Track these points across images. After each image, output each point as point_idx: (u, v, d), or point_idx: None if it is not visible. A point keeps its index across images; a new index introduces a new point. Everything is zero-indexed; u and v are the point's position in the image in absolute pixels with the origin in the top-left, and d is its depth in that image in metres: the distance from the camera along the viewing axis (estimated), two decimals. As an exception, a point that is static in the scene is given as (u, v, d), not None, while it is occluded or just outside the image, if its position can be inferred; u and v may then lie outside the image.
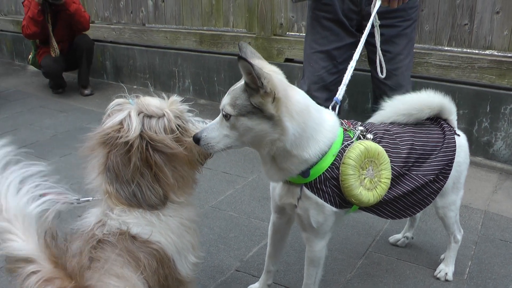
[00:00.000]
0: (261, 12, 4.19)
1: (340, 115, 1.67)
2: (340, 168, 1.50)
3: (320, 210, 1.55)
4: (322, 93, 2.37)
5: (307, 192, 1.52)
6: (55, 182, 1.18)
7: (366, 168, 1.53)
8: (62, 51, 4.89)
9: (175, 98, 1.40)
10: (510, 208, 2.66)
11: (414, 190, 1.65)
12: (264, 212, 2.60)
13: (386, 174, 1.57)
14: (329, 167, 1.50)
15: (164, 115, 1.32)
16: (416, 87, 2.02)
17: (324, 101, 2.21)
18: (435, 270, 2.09)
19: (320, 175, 1.50)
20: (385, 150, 1.57)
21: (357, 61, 1.89)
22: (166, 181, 1.33)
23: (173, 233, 1.33)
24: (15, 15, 6.72)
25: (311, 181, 1.51)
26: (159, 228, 1.30)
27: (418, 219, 2.31)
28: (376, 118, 1.80)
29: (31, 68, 5.90)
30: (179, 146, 1.32)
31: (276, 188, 1.64)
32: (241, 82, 1.39)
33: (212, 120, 1.45)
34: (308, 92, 1.87)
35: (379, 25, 2.09)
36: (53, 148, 3.58)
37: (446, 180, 1.71)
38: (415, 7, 2.37)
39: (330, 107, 1.67)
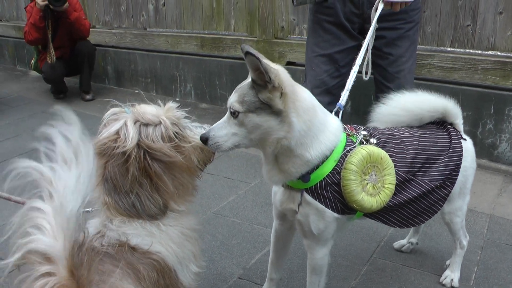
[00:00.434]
0: (262, 15, 4.17)
1: (342, 119, 1.65)
2: (342, 173, 1.48)
3: (320, 216, 1.53)
4: (325, 97, 2.34)
5: (308, 197, 1.51)
6: None
7: (369, 173, 1.51)
8: (64, 57, 4.91)
9: (171, 104, 1.38)
10: (516, 211, 2.63)
11: (420, 196, 1.62)
12: (267, 218, 2.58)
13: (390, 180, 1.54)
14: (330, 172, 1.48)
15: (160, 122, 1.31)
16: (419, 90, 2.00)
17: (327, 105, 2.16)
18: (441, 276, 2.06)
19: (321, 180, 1.48)
20: (389, 155, 1.55)
21: (360, 65, 1.87)
22: (165, 190, 1.31)
23: (173, 242, 1.31)
24: (17, 21, 6.73)
25: (312, 186, 1.49)
26: (160, 238, 1.28)
27: (423, 224, 2.27)
28: (377, 116, 1.78)
29: (33, 73, 5.91)
30: (177, 154, 1.30)
31: (277, 194, 1.63)
32: (248, 80, 1.40)
33: (213, 124, 1.44)
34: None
35: (381, 28, 2.07)
36: (54, 154, 3.57)
37: (453, 186, 1.68)
38: (417, 9, 2.34)
39: (333, 113, 1.65)
